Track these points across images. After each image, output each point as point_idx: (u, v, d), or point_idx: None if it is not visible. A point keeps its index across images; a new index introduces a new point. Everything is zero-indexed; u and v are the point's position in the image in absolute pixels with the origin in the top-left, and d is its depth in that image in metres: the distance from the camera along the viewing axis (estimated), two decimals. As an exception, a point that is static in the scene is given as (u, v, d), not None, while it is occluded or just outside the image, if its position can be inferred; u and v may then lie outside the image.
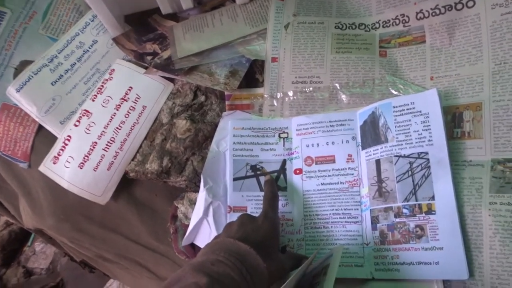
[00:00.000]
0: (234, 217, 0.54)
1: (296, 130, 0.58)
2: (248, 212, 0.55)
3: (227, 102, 0.62)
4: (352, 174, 0.55)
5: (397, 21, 0.59)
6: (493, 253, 0.45)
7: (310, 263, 0.44)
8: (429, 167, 0.49)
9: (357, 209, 0.53)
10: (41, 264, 1.64)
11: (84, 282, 1.45)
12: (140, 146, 0.62)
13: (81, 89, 0.67)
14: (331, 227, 0.53)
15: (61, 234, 0.65)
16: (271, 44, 0.62)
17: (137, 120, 0.63)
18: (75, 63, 0.68)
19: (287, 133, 0.59)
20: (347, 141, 0.56)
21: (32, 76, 0.66)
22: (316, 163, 0.56)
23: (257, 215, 0.50)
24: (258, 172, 0.57)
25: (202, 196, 0.56)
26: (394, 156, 0.51)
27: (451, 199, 0.47)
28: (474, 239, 0.46)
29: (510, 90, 0.48)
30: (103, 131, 0.62)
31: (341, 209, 0.54)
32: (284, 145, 0.58)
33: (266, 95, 0.61)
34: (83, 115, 0.64)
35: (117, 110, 0.63)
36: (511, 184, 0.45)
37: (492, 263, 0.44)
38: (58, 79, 0.67)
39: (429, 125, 0.50)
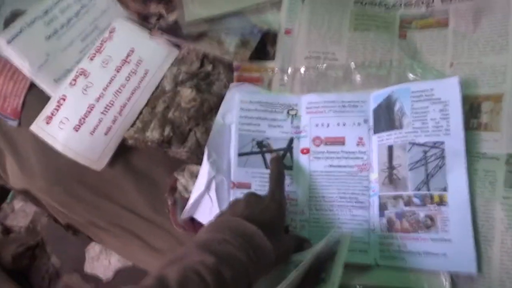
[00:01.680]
0: (237, 193, 0.54)
1: (306, 108, 0.56)
2: (252, 189, 0.54)
3: (235, 73, 0.60)
4: (362, 158, 0.53)
5: (420, 2, 0.57)
6: (504, 248, 0.44)
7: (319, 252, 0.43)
8: (443, 157, 0.48)
9: (365, 194, 0.52)
10: (20, 222, 1.59)
11: (65, 244, 1.40)
12: (141, 113, 0.60)
13: (78, 46, 0.64)
14: (337, 210, 0.53)
15: (52, 197, 0.63)
16: (286, 15, 0.59)
17: (138, 84, 0.60)
18: (72, 18, 0.64)
19: (296, 110, 0.57)
20: (359, 124, 0.54)
21: (25, 28, 0.62)
22: (325, 144, 0.55)
23: (261, 193, 0.49)
24: (264, 149, 0.56)
25: (205, 169, 0.54)
26: (409, 143, 0.50)
27: (465, 192, 0.46)
28: (484, 233, 0.45)
29: (533, 84, 0.46)
30: (102, 93, 0.59)
31: (348, 193, 0.53)
32: (292, 123, 0.57)
33: (276, 69, 0.59)
34: (80, 75, 0.61)
35: (118, 72, 0.60)
36: (526, 179, 0.44)
37: (502, 258, 0.44)
38: (53, 34, 0.63)
39: (448, 114, 0.49)
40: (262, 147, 0.56)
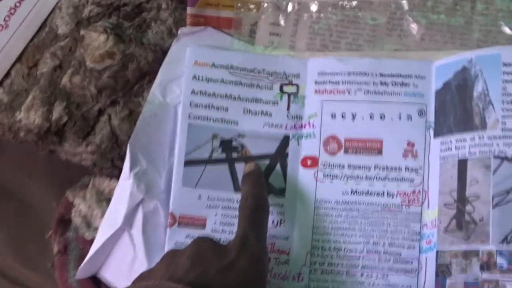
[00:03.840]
0: (180, 236, 0.50)
1: (316, 82, 0.52)
2: (208, 231, 0.50)
3: (189, 10, 0.56)
4: (412, 179, 0.48)
5: None
6: None
7: None
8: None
9: (413, 247, 0.48)
10: None
11: None
12: (7, 75, 0.56)
13: None
14: (362, 275, 0.48)
15: None
16: None
17: (4, 21, 0.56)
18: None
19: (297, 85, 0.52)
20: (409, 117, 0.49)
21: None
22: (346, 151, 0.50)
23: (225, 238, 0.48)
24: (235, 155, 0.51)
25: (125, 188, 0.50)
26: (495, 157, 0.46)
27: None
28: None
29: None
30: None
31: (384, 244, 0.48)
32: (289, 108, 0.52)
33: (266, 4, 0.56)
34: None
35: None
36: None
37: None
38: None
39: None
40: (230, 150, 0.51)
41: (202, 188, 0.51)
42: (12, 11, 0.57)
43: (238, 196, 0.49)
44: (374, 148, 0.50)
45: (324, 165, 0.51)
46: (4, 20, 0.57)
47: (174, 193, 0.51)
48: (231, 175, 0.51)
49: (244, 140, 0.52)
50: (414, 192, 0.49)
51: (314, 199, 0.51)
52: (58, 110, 0.53)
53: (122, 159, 0.52)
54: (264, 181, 0.50)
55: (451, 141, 0.48)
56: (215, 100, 0.52)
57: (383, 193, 0.49)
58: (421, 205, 0.49)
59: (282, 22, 0.55)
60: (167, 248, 0.49)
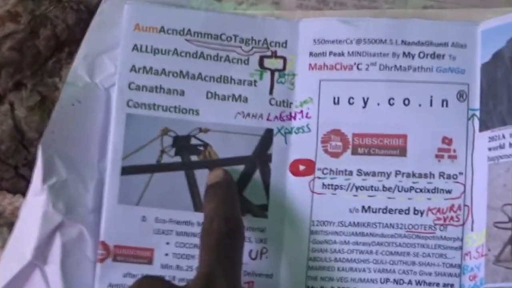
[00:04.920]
0: (115, 274, 0.45)
1: (311, 54, 0.47)
2: (157, 265, 0.45)
3: None
4: (449, 190, 0.44)
5: None
6: None
7: None
8: None
9: (452, 284, 0.44)
10: None
11: None
12: None
13: None
14: None
15: None
16: None
17: None
18: None
19: (284, 58, 0.47)
20: (445, 103, 0.45)
21: None
22: (355, 152, 0.45)
23: (183, 279, 0.44)
24: (195, 158, 0.46)
25: (36, 207, 0.45)
26: None
27: None
28: None
29: None
30: None
31: (410, 282, 0.44)
32: (272, 91, 0.47)
33: None
34: None
35: None
36: None
37: None
38: None
39: None
40: (187, 152, 0.46)
41: (148, 206, 0.46)
42: None
43: (199, 217, 0.45)
44: (395, 146, 0.46)
45: (323, 171, 0.46)
46: None
47: (107, 214, 0.46)
48: (190, 187, 0.46)
49: (208, 136, 0.47)
50: (452, 207, 0.44)
51: (310, 219, 0.46)
52: None
53: (31, 166, 0.48)
54: (236, 195, 0.46)
55: (503, 136, 0.44)
56: (165, 80, 0.47)
57: (408, 210, 0.45)
58: (462, 226, 0.45)
59: (262, -34, 0.54)
60: (97, 292, 0.48)
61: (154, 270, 0.46)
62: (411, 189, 0.44)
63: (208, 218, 0.43)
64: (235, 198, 0.45)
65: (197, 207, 0.46)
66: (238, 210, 0.45)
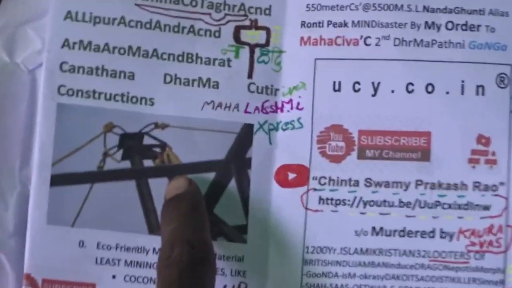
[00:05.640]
0: None
1: (303, 24, 0.40)
2: None
3: None
4: (487, 206, 0.37)
5: None
6: None
7: None
8: None
9: None
10: None
11: None
12: None
13: None
14: None
15: None
16: None
17: None
18: None
19: (267, 29, 0.40)
20: (481, 89, 0.38)
21: None
22: (362, 155, 0.39)
23: None
24: (149, 163, 0.39)
25: None
26: None
27: None
28: None
29: None
30: None
31: None
32: (251, 74, 0.39)
33: None
34: None
35: None
36: None
37: None
38: None
39: None
40: (139, 154, 0.39)
41: (87, 228, 0.39)
42: None
43: (155, 242, 0.39)
44: (415, 148, 0.39)
45: (320, 181, 0.39)
46: None
47: (33, 239, 0.39)
48: (142, 202, 0.39)
49: (167, 134, 0.40)
50: (490, 229, 0.38)
51: (303, 245, 0.39)
52: None
53: None
54: (204, 212, 0.38)
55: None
56: (108, 59, 0.39)
57: (433, 232, 0.38)
58: (505, 254, 0.38)
59: None
60: None
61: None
62: (436, 204, 0.38)
63: (167, 244, 0.37)
64: (203, 216, 0.38)
65: (152, 228, 0.39)
66: (207, 232, 0.38)
